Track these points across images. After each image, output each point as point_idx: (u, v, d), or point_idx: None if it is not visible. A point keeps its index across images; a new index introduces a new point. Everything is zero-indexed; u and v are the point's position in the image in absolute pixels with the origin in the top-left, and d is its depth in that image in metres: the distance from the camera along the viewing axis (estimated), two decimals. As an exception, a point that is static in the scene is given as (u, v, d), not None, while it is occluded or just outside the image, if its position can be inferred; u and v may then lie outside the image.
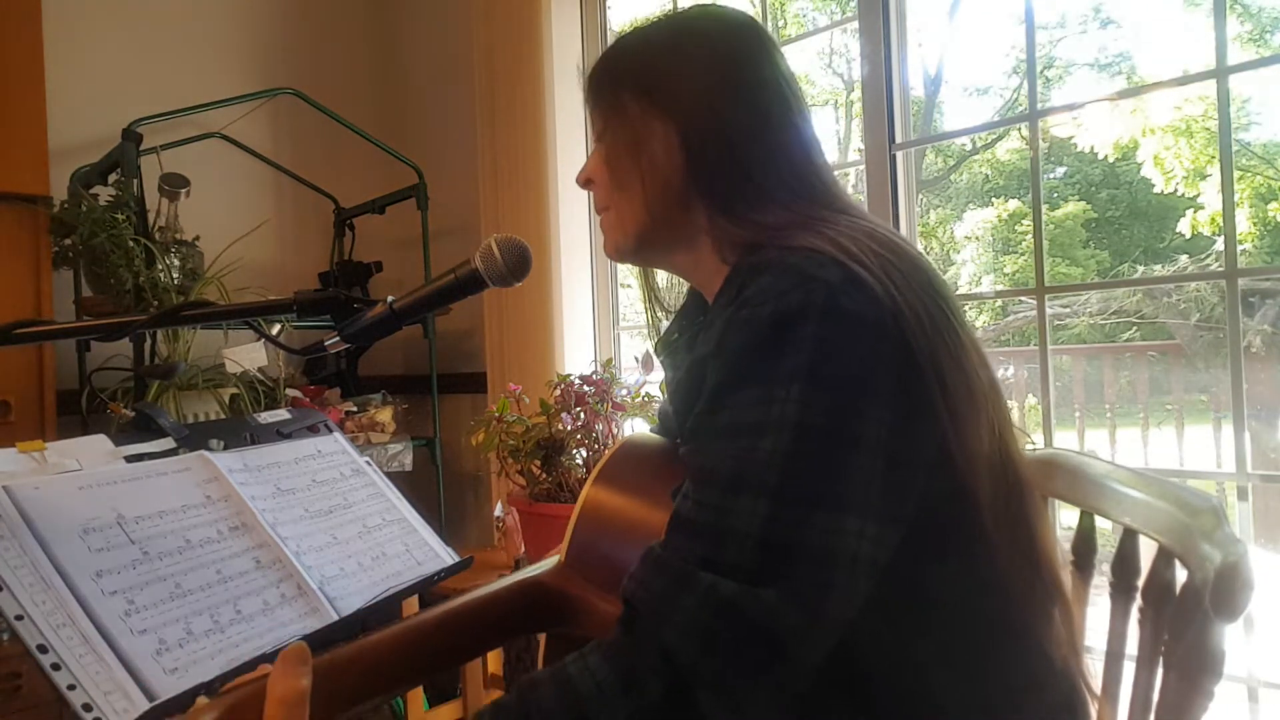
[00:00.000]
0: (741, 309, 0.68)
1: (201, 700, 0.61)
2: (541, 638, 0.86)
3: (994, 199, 10.17)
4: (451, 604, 0.75)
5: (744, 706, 0.61)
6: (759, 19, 1.62)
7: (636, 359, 1.97)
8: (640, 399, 1.86)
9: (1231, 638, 0.71)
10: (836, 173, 0.85)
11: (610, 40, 2.53)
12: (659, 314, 1.00)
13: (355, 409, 2.39)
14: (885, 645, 0.68)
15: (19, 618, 0.66)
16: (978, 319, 7.76)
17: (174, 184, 2.17)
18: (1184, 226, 7.32)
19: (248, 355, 1.96)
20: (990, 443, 0.70)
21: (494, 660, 2.01)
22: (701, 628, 0.61)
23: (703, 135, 0.78)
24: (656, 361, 1.02)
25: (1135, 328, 7.61)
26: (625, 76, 0.83)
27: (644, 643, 0.63)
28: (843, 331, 0.65)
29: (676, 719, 0.61)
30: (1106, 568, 0.91)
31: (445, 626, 0.73)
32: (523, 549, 1.94)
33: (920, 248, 0.83)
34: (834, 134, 10.39)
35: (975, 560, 0.71)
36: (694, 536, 0.65)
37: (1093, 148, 8.09)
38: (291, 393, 2.26)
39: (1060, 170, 10.28)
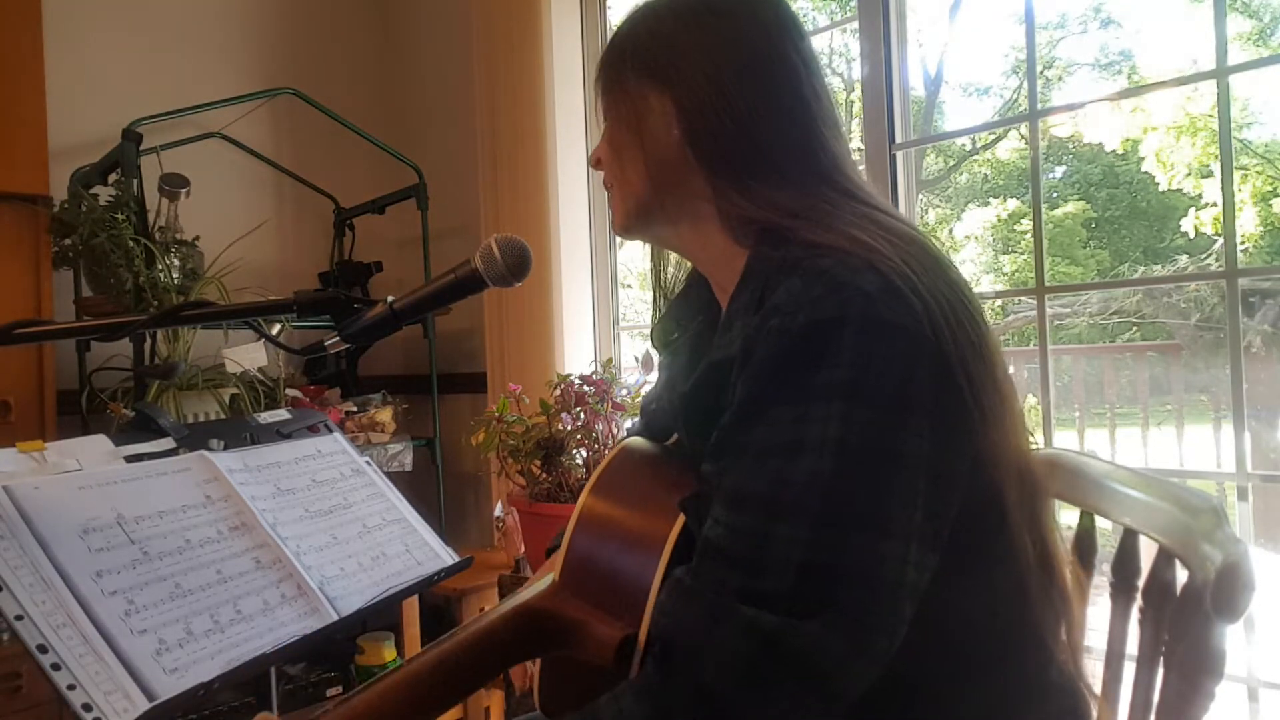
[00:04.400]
0: (771, 317, 0.64)
1: None
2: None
3: (994, 199, 10.16)
4: (445, 644, 0.74)
5: None
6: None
7: (636, 359, 1.97)
8: (640, 399, 1.85)
9: (1232, 638, 0.71)
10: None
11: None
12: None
13: (355, 409, 2.39)
14: (898, 658, 0.65)
15: (19, 618, 0.66)
16: (978, 319, 7.72)
17: (174, 184, 2.17)
18: (1188, 226, 7.31)
19: (248, 355, 1.96)
20: (1014, 442, 0.69)
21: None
22: (742, 664, 0.58)
23: (700, 102, 0.75)
24: (656, 360, 1.00)
25: (1135, 328, 7.60)
26: (626, 53, 0.82)
27: (680, 680, 0.60)
28: (882, 343, 0.61)
29: None
30: (1107, 568, 0.91)
31: (441, 669, 0.72)
32: (523, 549, 1.94)
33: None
34: (834, 134, 10.35)
35: (999, 569, 0.69)
36: (728, 565, 0.61)
37: (1083, 138, 8.05)
38: (291, 393, 2.26)
39: (1060, 170, 10.28)
